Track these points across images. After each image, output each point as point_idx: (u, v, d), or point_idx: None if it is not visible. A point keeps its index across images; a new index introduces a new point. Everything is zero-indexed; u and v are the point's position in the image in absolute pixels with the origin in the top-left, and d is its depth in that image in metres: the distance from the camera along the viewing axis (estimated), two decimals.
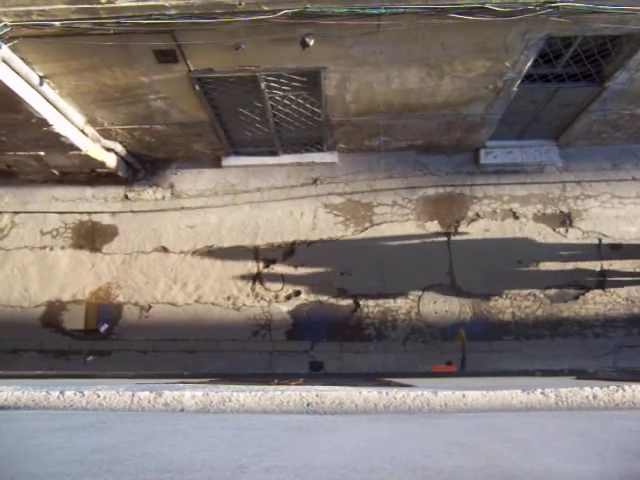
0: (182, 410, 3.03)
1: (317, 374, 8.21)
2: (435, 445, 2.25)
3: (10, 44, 6.18)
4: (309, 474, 1.83)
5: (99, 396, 3.10)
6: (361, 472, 1.87)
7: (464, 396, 3.16)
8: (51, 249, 9.70)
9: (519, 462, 2.03)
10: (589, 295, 8.87)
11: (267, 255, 9.36)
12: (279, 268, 9.29)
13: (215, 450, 2.18)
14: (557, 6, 5.72)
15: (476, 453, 2.14)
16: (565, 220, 9.26)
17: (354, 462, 2.00)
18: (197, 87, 7.46)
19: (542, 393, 3.16)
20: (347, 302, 9.05)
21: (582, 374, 6.83)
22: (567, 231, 9.19)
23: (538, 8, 5.75)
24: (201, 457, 2.05)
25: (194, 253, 9.43)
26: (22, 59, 6.66)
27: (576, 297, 8.87)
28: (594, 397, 3.12)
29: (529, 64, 7.12)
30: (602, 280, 8.92)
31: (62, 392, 3.11)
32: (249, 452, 2.12)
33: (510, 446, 2.26)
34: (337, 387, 3.48)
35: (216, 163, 9.81)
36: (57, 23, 5.87)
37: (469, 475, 1.85)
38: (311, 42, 6.29)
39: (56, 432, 2.49)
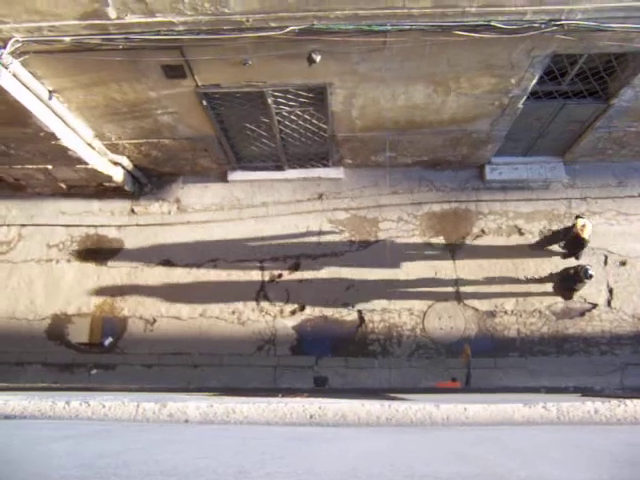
0: (186, 421, 3.04)
1: (321, 389, 8.19)
2: (435, 454, 2.27)
3: (21, 59, 6.25)
4: (310, 479, 1.84)
5: (104, 406, 3.11)
6: (361, 478, 1.88)
7: (466, 409, 3.16)
8: (57, 262, 9.75)
9: (515, 469, 2.04)
10: (595, 312, 8.83)
11: (272, 269, 9.37)
12: (284, 283, 9.30)
13: (218, 457, 2.19)
14: (562, 24, 5.76)
15: (474, 461, 2.16)
16: None
17: (354, 469, 2.01)
18: (204, 102, 7.53)
19: (544, 407, 3.16)
20: (352, 317, 9.04)
21: (588, 392, 6.80)
22: None
23: (543, 26, 5.79)
24: (204, 463, 2.07)
25: (199, 267, 9.45)
26: (32, 74, 6.74)
27: (582, 314, 8.84)
28: (596, 412, 3.11)
29: (535, 81, 7.16)
30: (608, 297, 8.89)
31: (68, 402, 3.13)
32: (252, 459, 2.14)
33: (508, 455, 2.28)
34: (340, 400, 3.48)
35: (222, 178, 9.87)
36: (67, 38, 5.95)
37: None
38: (318, 58, 6.34)
39: (63, 439, 2.51)
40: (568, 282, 8.54)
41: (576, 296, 8.87)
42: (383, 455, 2.26)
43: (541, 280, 9.05)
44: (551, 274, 8.96)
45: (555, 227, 9.23)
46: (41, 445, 2.41)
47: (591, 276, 7.92)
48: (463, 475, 1.93)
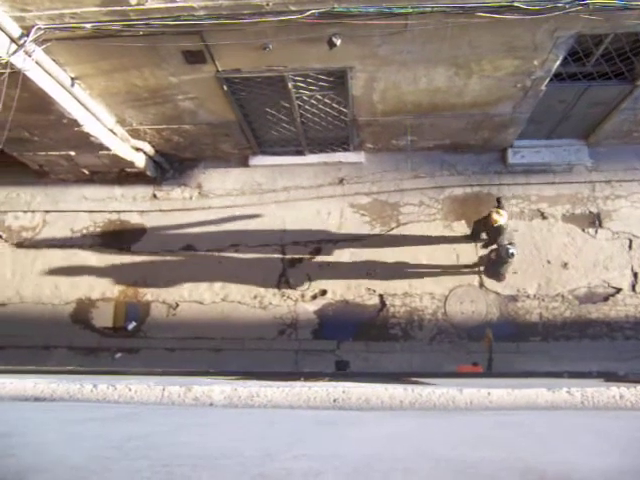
0: (211, 404, 3.08)
1: (343, 373, 8.22)
2: (459, 439, 2.28)
3: (43, 47, 6.30)
4: (336, 462, 1.87)
5: (130, 390, 3.17)
6: (386, 461, 1.91)
7: (489, 394, 3.16)
8: (81, 247, 9.86)
9: (540, 455, 2.04)
10: (619, 296, 8.75)
11: (293, 254, 9.40)
12: (305, 267, 9.33)
13: (245, 440, 2.22)
14: (587, 3, 5.64)
15: (499, 446, 2.16)
16: (594, 220, 9.15)
17: (379, 452, 2.03)
18: (225, 87, 7.53)
19: (568, 392, 3.15)
20: (373, 302, 9.05)
21: (611, 377, 6.74)
22: (597, 232, 9.08)
23: (568, 6, 5.67)
24: (232, 446, 2.10)
25: (221, 252, 9.51)
26: (54, 61, 6.78)
27: (605, 298, 8.76)
28: (621, 397, 3.09)
29: (558, 63, 7.05)
30: (633, 281, 8.79)
31: (95, 385, 3.19)
32: (278, 442, 2.17)
33: (532, 440, 2.28)
34: (363, 384, 3.50)
35: (243, 162, 9.89)
36: (88, 25, 5.97)
37: (490, 465, 1.87)
38: (338, 42, 6.30)
39: (91, 422, 2.57)
40: (493, 267, 8.37)
41: (504, 279, 8.72)
42: (408, 439, 2.28)
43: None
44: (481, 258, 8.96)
45: (475, 218, 9.03)
46: (69, 427, 2.47)
47: (512, 254, 7.64)
48: (488, 459, 1.94)
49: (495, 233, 8.00)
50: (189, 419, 2.73)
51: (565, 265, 8.94)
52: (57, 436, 2.32)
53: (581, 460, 1.98)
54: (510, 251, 7.62)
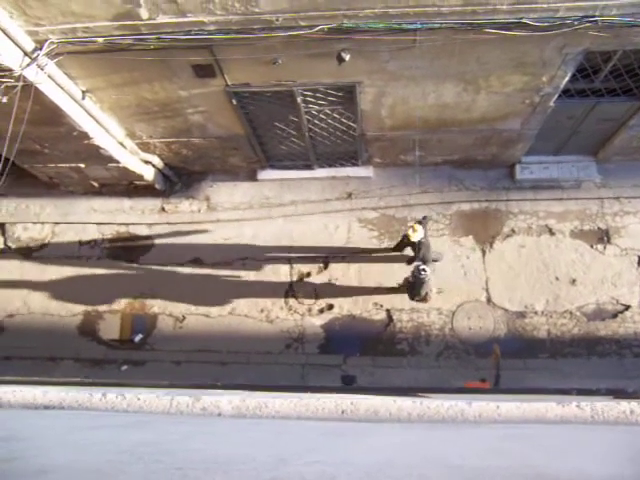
0: (219, 414, 3.08)
1: (350, 388, 8.19)
2: (468, 449, 2.27)
3: (55, 60, 6.37)
4: (348, 469, 1.86)
5: (139, 399, 3.16)
6: (398, 468, 1.90)
7: (498, 407, 3.14)
8: (89, 259, 9.91)
9: (550, 463, 2.03)
10: (628, 313, 8.69)
11: (301, 268, 9.40)
12: (313, 281, 9.32)
13: (256, 447, 2.22)
14: (596, 20, 5.68)
15: (508, 456, 2.15)
16: (603, 237, 9.12)
17: (391, 460, 2.03)
18: (234, 101, 7.58)
19: (577, 406, 3.13)
20: (380, 316, 9.03)
21: (620, 394, 6.69)
22: (605, 248, 9.05)
23: (576, 22, 5.71)
24: (243, 452, 2.10)
25: (228, 265, 9.52)
26: (66, 74, 6.86)
27: (614, 315, 8.71)
28: (631, 412, 3.07)
29: (566, 79, 7.07)
30: None
31: (104, 394, 3.19)
32: (289, 450, 2.17)
33: (542, 451, 2.27)
34: (371, 396, 3.49)
35: (252, 176, 9.93)
36: (100, 39, 6.04)
37: (500, 472, 1.87)
38: (347, 57, 6.35)
39: (101, 429, 2.57)
40: (414, 289, 8.20)
41: (428, 300, 8.66)
42: (418, 448, 2.27)
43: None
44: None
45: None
46: (78, 433, 2.48)
47: (424, 270, 7.51)
48: (499, 467, 1.93)
49: (413, 249, 8.00)
50: (198, 427, 2.73)
51: (573, 281, 8.90)
52: (66, 441, 2.32)
53: (592, 469, 1.97)
54: (420, 267, 7.55)
